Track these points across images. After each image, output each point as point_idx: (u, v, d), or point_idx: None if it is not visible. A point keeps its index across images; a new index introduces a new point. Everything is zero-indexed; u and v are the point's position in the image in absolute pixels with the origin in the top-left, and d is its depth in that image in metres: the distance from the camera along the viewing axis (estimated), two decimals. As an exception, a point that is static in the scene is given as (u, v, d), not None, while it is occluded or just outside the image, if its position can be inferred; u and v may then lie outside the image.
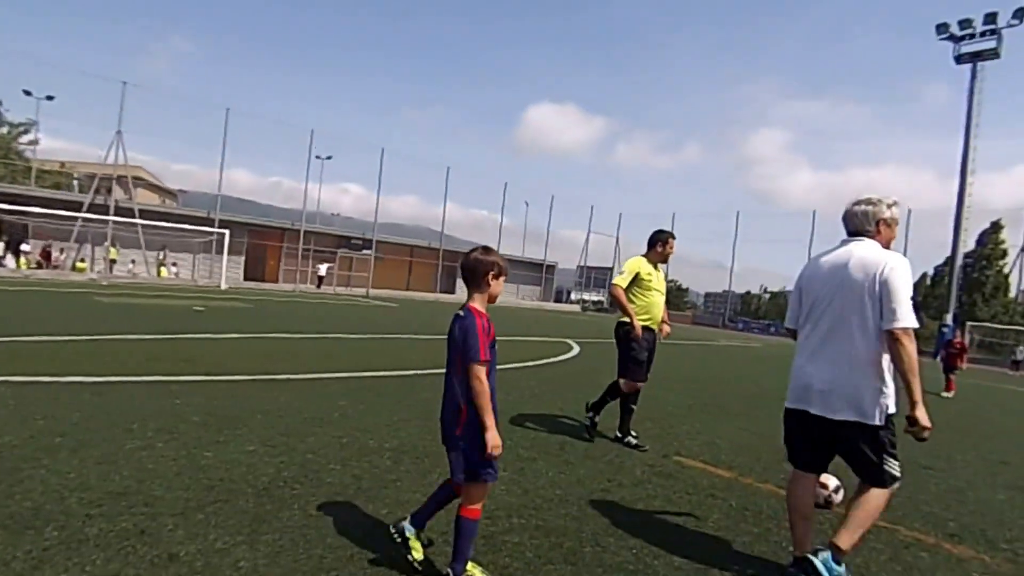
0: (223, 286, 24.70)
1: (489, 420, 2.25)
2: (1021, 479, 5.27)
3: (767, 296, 50.93)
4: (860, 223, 2.73)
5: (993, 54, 31.93)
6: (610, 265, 51.12)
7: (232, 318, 12.35)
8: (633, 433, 4.91)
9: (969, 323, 33.94)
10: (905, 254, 2.69)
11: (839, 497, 3.81)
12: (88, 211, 23.89)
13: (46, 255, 24.94)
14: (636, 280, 4.87)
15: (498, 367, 2.43)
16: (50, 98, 32.44)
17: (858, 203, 2.75)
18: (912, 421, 2.49)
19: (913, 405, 2.48)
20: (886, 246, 2.70)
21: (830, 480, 3.84)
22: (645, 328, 4.86)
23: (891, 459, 2.58)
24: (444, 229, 40.86)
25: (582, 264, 50.19)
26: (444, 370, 2.44)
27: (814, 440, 2.72)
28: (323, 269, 32.01)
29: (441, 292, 38.97)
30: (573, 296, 51.55)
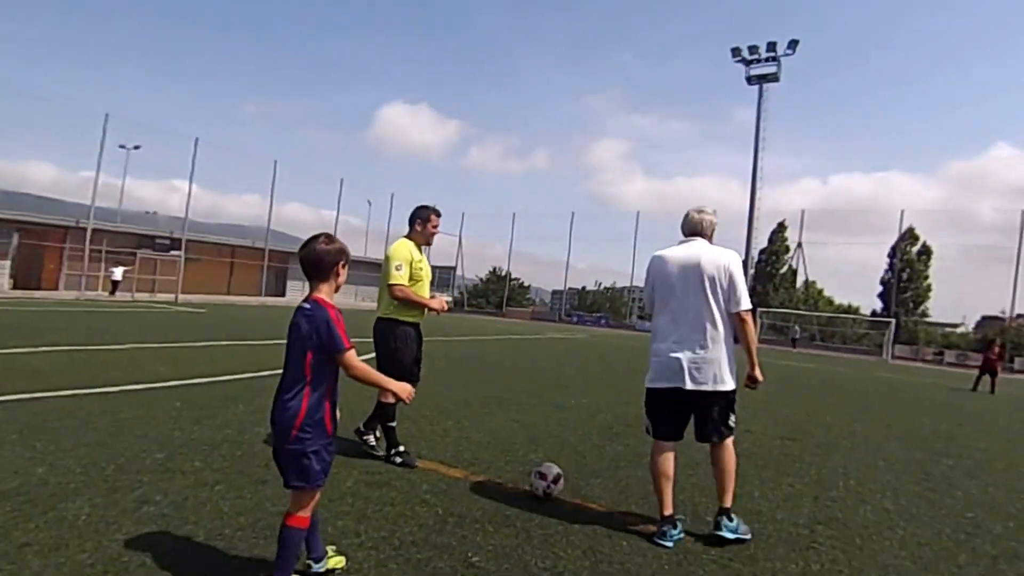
0: (-32, 295, 20.08)
1: (386, 383, 2.40)
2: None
3: (600, 290, 54.50)
4: (698, 227, 3.33)
5: (774, 78, 37.07)
6: (453, 264, 51.11)
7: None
8: (401, 448, 4.09)
9: (760, 309, 39.06)
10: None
11: (558, 487, 3.56)
12: None
13: None
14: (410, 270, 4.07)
15: None
16: None
17: (699, 211, 3.36)
18: (752, 379, 3.28)
19: (752, 366, 3.25)
20: None
21: (550, 469, 3.59)
22: (415, 327, 4.16)
23: (733, 415, 3.22)
24: (278, 228, 37.87)
25: (425, 263, 49.54)
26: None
27: (678, 412, 3.22)
28: (118, 273, 27.52)
29: (267, 295, 35.87)
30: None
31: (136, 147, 34.08)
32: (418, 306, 4.11)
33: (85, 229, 26.72)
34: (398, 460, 4.03)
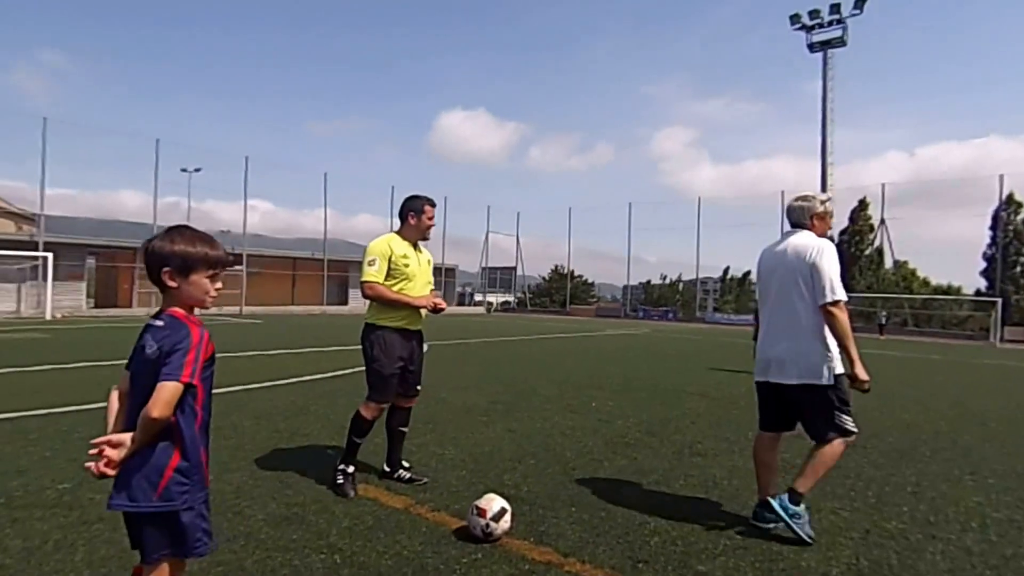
0: (48, 315, 21.52)
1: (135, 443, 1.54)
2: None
3: (667, 284, 52.17)
4: (798, 216, 3.18)
5: (840, 42, 34.01)
6: (513, 265, 50.65)
7: (15, 352, 10.16)
8: (405, 464, 3.72)
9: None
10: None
11: (500, 526, 2.76)
12: None
13: None
14: (389, 268, 3.47)
15: None
16: None
17: (797, 200, 3.21)
18: (853, 378, 2.93)
19: (852, 363, 2.90)
20: (821, 235, 3.12)
21: (491, 504, 2.80)
22: (402, 332, 3.52)
23: (843, 414, 2.96)
24: (352, 239, 39.08)
25: (484, 265, 49.39)
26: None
27: (777, 405, 3.15)
28: (187, 289, 29.02)
29: (329, 304, 36.72)
30: (477, 298, 50.53)
31: (196, 170, 35.90)
32: (403, 307, 3.49)
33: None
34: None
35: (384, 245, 3.50)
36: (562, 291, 50.55)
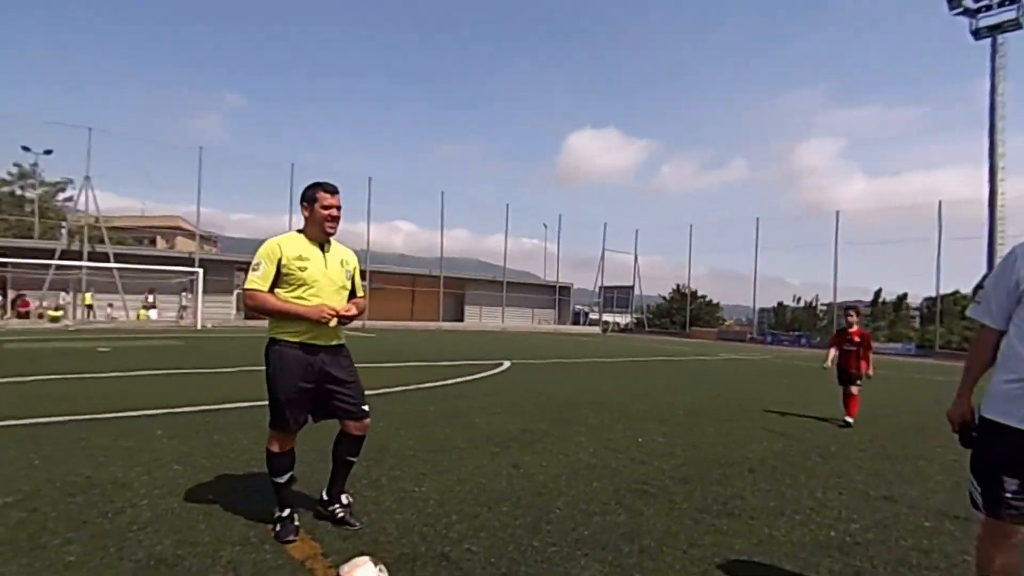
0: (199, 325, 24.32)
1: None
2: None
3: (801, 307, 47.06)
4: None
5: (1015, 25, 28.61)
6: (630, 283, 48.88)
7: (137, 357, 11.49)
8: (343, 500, 3.20)
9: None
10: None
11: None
12: (61, 258, 24.14)
13: (24, 304, 25.29)
14: (282, 273, 2.96)
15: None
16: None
17: None
18: None
19: None
20: None
21: (355, 569, 2.22)
22: (304, 348, 2.97)
23: None
24: (485, 259, 40.66)
25: (601, 284, 48.18)
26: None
27: None
28: (314, 303, 31.53)
29: (445, 320, 37.81)
30: (592, 317, 49.31)
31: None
32: (300, 318, 2.95)
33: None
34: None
35: (272, 246, 2.98)
36: (683, 312, 47.73)
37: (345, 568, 2.23)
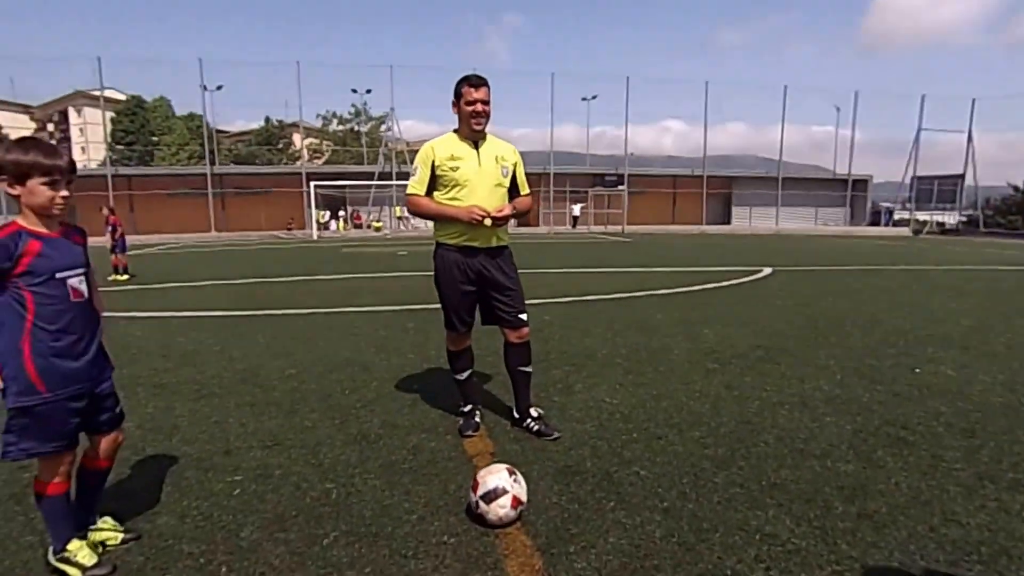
0: (408, 233, 27.70)
1: None
2: None
3: None
4: None
5: None
6: (960, 172, 38.33)
7: (427, 260, 13.81)
8: (533, 413, 3.14)
9: None
10: None
11: (492, 511, 2.14)
12: (379, 179, 29.40)
13: (358, 218, 31.89)
14: (436, 175, 2.92)
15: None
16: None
17: None
18: None
19: None
20: None
21: (486, 479, 2.19)
22: (463, 251, 2.95)
23: None
24: (769, 156, 37.22)
25: (913, 174, 38.91)
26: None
27: None
28: (576, 209, 32.54)
29: (709, 223, 35.42)
30: (901, 217, 40.39)
31: (593, 97, 38.59)
32: (454, 220, 2.93)
33: (548, 174, 32.36)
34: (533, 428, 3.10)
35: (427, 149, 2.94)
36: (1044, 206, 35.74)
37: (482, 472, 2.21)
